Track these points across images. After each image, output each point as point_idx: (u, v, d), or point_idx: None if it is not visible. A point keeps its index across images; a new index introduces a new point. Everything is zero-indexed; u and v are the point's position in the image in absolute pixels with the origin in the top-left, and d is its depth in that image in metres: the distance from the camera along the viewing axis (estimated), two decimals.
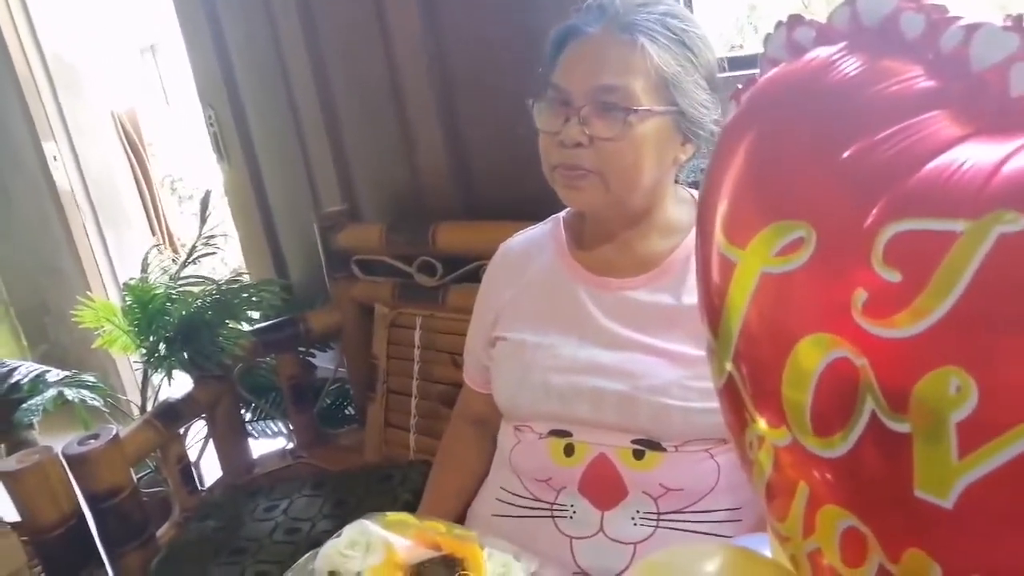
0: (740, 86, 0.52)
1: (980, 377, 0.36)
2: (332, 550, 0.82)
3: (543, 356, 1.08)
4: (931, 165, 0.38)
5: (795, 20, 0.48)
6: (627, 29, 0.99)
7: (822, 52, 0.46)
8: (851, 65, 0.43)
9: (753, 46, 2.63)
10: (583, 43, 1.02)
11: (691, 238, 1.06)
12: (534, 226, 1.24)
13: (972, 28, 0.39)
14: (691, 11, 1.42)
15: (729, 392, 0.51)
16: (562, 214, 1.21)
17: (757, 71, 0.52)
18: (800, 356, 0.42)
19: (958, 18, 0.40)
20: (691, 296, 1.02)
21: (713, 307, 0.50)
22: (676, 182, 1.14)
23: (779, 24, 0.49)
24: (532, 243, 1.21)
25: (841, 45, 0.45)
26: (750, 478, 0.53)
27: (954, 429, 0.37)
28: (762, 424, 0.47)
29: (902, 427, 0.39)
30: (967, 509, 0.38)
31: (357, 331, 1.83)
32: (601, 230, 1.12)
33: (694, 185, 1.18)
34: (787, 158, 0.44)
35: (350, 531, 0.84)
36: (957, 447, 0.37)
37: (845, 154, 0.40)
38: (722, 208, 0.48)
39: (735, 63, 1.20)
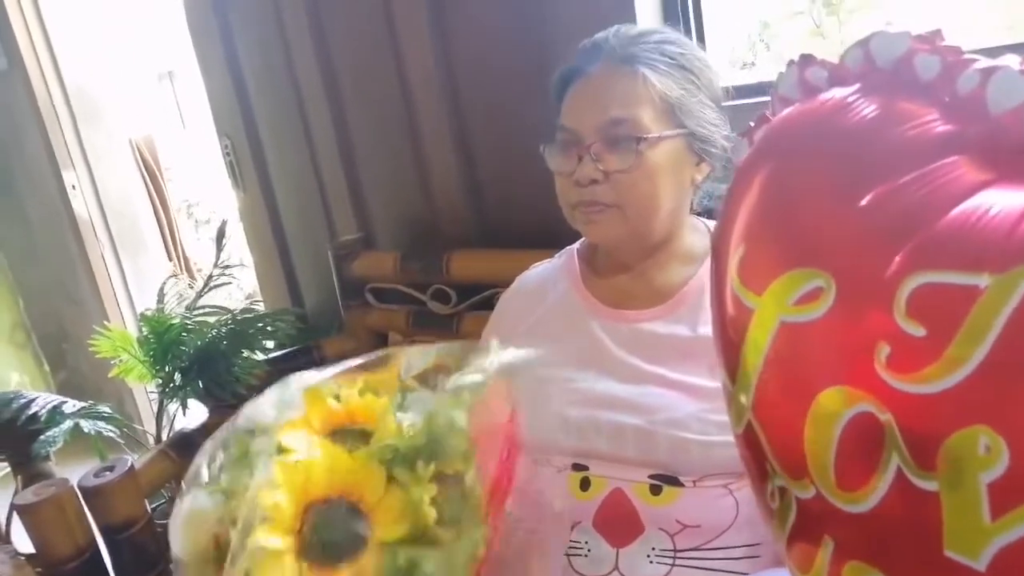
0: (752, 124, 0.52)
1: (1011, 437, 0.34)
2: (252, 408, 0.77)
3: (559, 390, 1.06)
4: (953, 214, 0.37)
5: (807, 60, 0.47)
6: (627, 61, 1.00)
7: (836, 93, 0.45)
8: (866, 107, 0.42)
9: (765, 64, 2.63)
10: (585, 82, 1.02)
11: (706, 268, 1.05)
12: (548, 260, 1.23)
13: (989, 71, 0.38)
14: (702, 29, 1.42)
15: (749, 439, 0.49)
16: (576, 246, 1.20)
17: (768, 105, 0.51)
18: (822, 408, 0.41)
19: (974, 60, 0.39)
20: (707, 327, 1.00)
21: (730, 352, 0.49)
22: (692, 211, 1.13)
23: (791, 63, 0.48)
24: (546, 277, 1.20)
25: (855, 87, 0.44)
26: (770, 526, 0.51)
27: (985, 490, 0.35)
28: (784, 475, 0.45)
29: (930, 485, 0.37)
30: (1001, 572, 0.36)
31: None
32: (617, 261, 1.11)
33: (707, 212, 1.17)
34: (803, 203, 0.43)
35: (274, 390, 0.79)
36: (989, 508, 0.35)
37: (863, 201, 0.39)
38: (738, 252, 0.47)
39: (742, 91, 1.20)
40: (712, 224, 1.11)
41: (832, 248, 0.41)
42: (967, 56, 0.40)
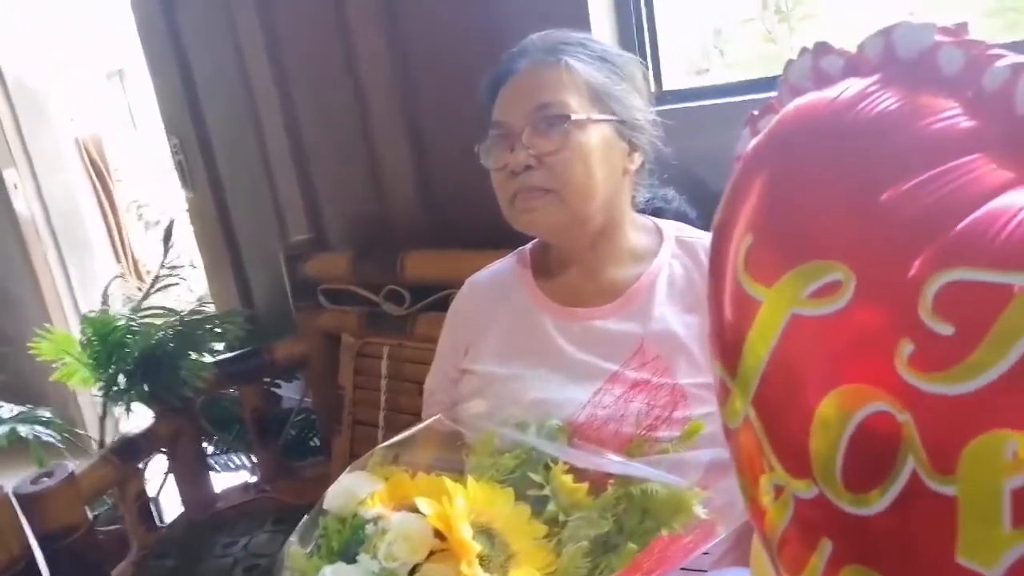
0: (756, 112, 0.50)
1: None
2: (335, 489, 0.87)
3: (513, 389, 1.06)
4: (981, 212, 0.35)
5: (822, 48, 0.46)
6: (551, 53, 1.05)
7: (853, 84, 0.43)
8: (886, 99, 0.40)
9: (719, 70, 2.66)
10: (514, 79, 1.06)
11: (656, 266, 1.07)
12: (499, 260, 1.24)
13: (1020, 68, 0.37)
14: (654, 29, 1.44)
15: (745, 435, 0.47)
16: (528, 246, 1.22)
17: (774, 95, 0.50)
18: (833, 406, 0.39)
19: (1000, 55, 0.38)
20: (658, 324, 1.03)
21: (728, 345, 0.47)
22: (635, 208, 1.15)
23: (804, 51, 0.47)
24: (498, 276, 1.21)
25: (874, 77, 0.42)
26: (758, 525, 0.49)
27: (1008, 497, 0.34)
28: (785, 473, 0.44)
29: (947, 489, 0.36)
30: None
31: (323, 361, 1.80)
32: (565, 256, 1.12)
33: (655, 213, 1.18)
34: (818, 196, 0.41)
35: (346, 477, 0.88)
36: (1011, 516, 0.34)
37: (883, 196, 0.38)
38: (744, 242, 0.45)
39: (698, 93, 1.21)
40: (662, 223, 1.14)
41: (851, 242, 0.39)
42: (994, 51, 0.38)
